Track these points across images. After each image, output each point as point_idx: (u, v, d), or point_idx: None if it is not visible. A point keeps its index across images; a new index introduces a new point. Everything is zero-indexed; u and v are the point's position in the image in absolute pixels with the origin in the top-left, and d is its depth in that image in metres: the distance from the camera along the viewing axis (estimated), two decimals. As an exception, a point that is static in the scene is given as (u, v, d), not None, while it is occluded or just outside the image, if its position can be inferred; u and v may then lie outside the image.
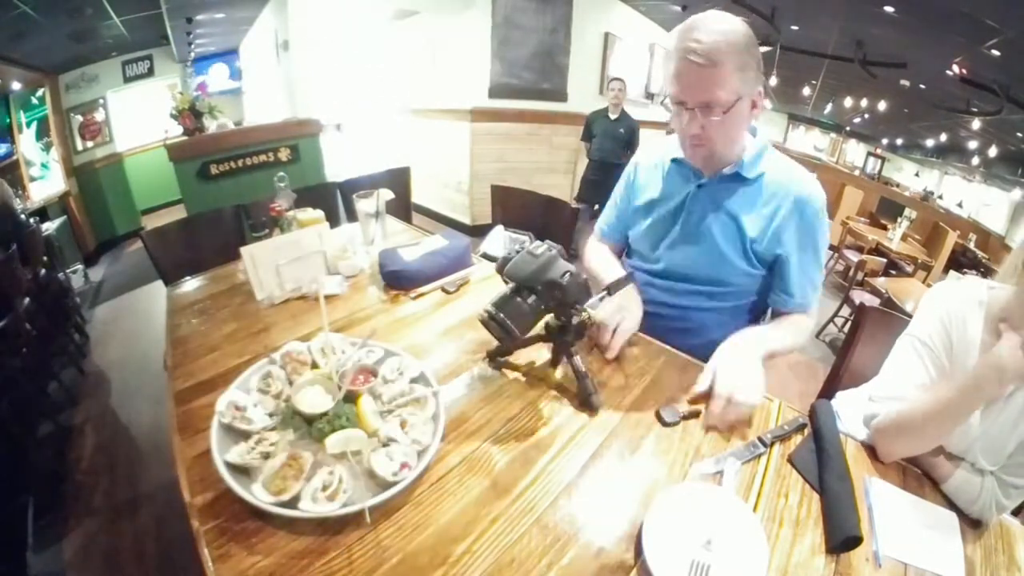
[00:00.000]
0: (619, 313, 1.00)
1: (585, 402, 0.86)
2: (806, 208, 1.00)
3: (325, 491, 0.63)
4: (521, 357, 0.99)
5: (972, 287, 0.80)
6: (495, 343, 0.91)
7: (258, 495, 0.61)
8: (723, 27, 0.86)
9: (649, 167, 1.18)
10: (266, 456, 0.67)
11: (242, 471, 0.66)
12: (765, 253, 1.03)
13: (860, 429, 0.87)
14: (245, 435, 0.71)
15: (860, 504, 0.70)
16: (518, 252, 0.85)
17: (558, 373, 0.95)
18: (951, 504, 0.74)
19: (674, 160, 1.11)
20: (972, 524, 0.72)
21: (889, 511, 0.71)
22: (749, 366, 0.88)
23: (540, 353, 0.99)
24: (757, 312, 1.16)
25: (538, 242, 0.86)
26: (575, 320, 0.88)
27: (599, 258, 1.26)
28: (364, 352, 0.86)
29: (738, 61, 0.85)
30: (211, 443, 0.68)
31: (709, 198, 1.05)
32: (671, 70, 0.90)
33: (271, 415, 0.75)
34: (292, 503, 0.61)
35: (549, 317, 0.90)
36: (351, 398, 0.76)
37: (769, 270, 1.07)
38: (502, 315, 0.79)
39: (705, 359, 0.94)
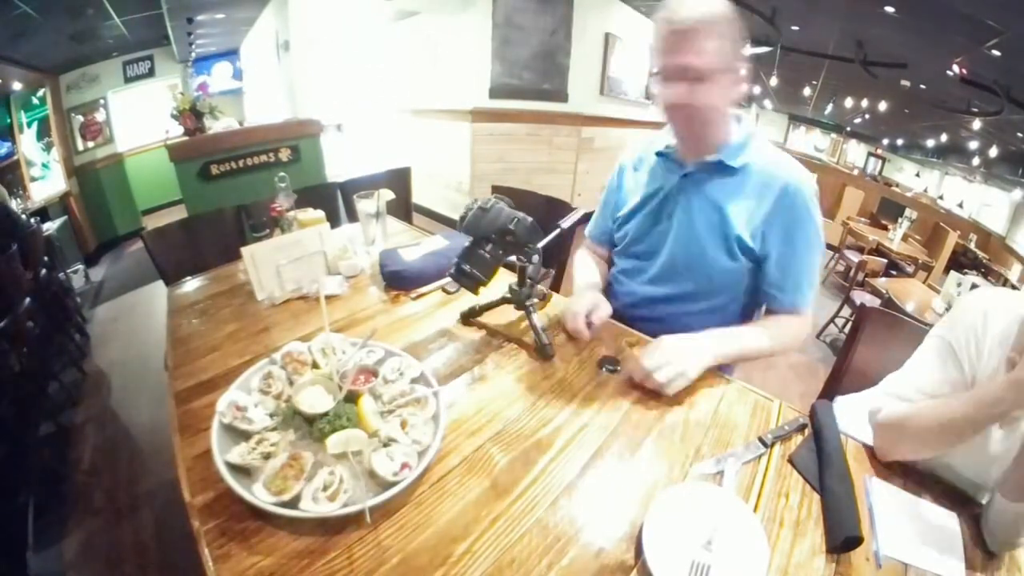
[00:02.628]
0: (592, 303, 1.05)
1: (540, 351, 0.99)
2: (795, 198, 0.96)
3: (326, 491, 0.63)
4: (492, 320, 1.11)
5: (1018, 299, 0.75)
6: (470, 315, 1.10)
7: (259, 495, 0.61)
8: (701, 3, 0.88)
9: (634, 165, 1.18)
10: (267, 457, 0.67)
11: (243, 471, 0.66)
12: (751, 246, 1.00)
13: (860, 432, 0.87)
14: (246, 435, 0.71)
15: (861, 504, 0.70)
16: (471, 210, 0.94)
17: (558, 373, 0.95)
18: (952, 504, 0.74)
19: (658, 153, 1.10)
20: (973, 525, 0.72)
21: (890, 511, 0.71)
22: (687, 354, 0.90)
23: (518, 337, 1.00)
24: (748, 315, 1.13)
25: (487, 197, 0.96)
26: (534, 260, 1.00)
27: (579, 263, 1.28)
28: (365, 352, 0.87)
29: (714, 32, 0.87)
30: (212, 443, 0.68)
31: (693, 188, 1.04)
32: (653, 46, 0.92)
33: (272, 415, 0.75)
34: (293, 503, 0.61)
35: (512, 282, 1.05)
36: (352, 398, 0.76)
37: (758, 266, 1.04)
38: (467, 266, 0.91)
39: None
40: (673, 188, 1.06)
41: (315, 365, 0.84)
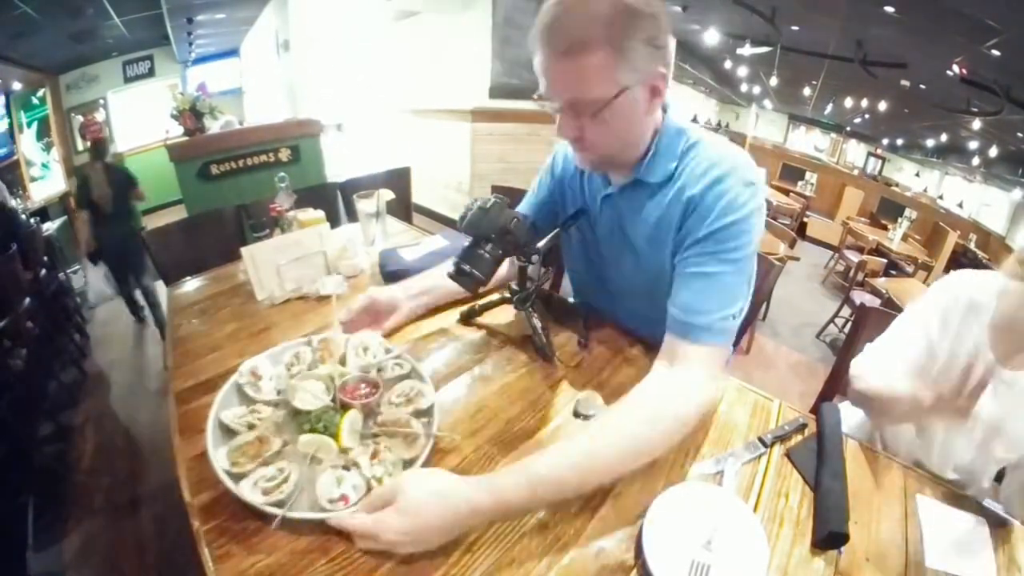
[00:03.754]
0: (388, 300, 1.03)
1: (540, 352, 0.98)
2: (711, 190, 0.76)
3: (269, 482, 0.63)
4: (492, 320, 1.10)
5: (988, 278, 0.81)
6: (470, 315, 1.09)
7: (248, 495, 0.61)
8: (585, 12, 0.67)
9: (562, 169, 1.06)
10: (251, 427, 0.70)
11: (230, 434, 0.70)
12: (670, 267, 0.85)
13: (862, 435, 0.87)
14: (249, 400, 0.75)
15: (910, 521, 0.70)
16: (471, 209, 0.91)
17: (558, 372, 0.95)
18: (980, 510, 0.74)
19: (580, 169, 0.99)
20: (999, 528, 0.72)
21: (936, 526, 0.71)
22: (439, 532, 0.58)
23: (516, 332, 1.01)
24: None
25: (487, 197, 0.94)
26: (534, 260, 0.98)
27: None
28: (392, 362, 0.85)
29: (614, 43, 0.66)
30: (214, 406, 0.72)
31: (614, 211, 0.94)
32: (535, 61, 0.73)
33: (279, 392, 0.77)
34: (237, 478, 0.63)
35: (512, 283, 1.03)
36: (345, 406, 0.74)
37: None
38: (467, 266, 0.89)
39: None
40: (597, 210, 0.97)
41: (343, 360, 0.84)
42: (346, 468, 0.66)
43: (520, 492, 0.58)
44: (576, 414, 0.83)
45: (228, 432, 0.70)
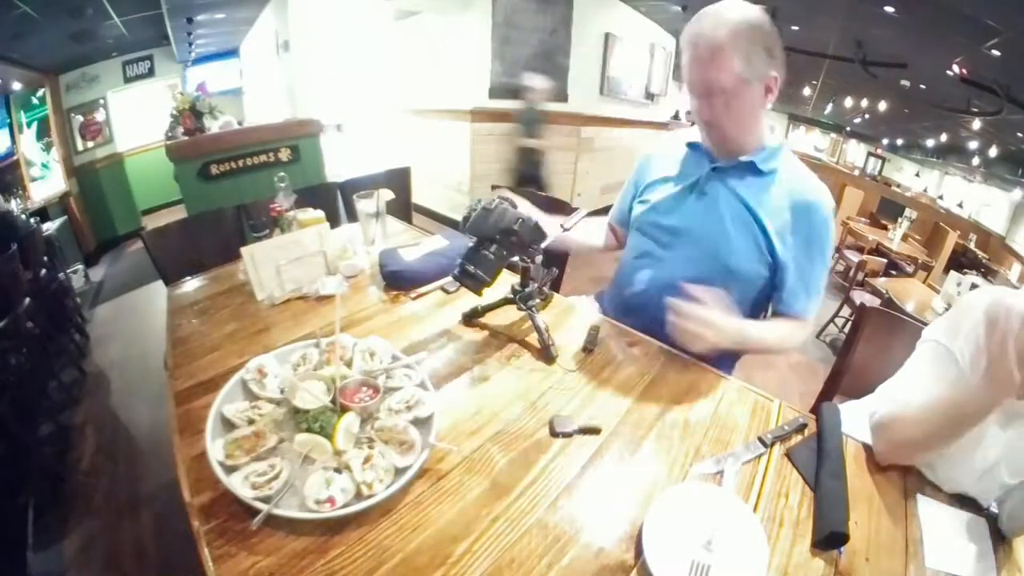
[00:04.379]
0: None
1: (543, 352, 0.98)
2: (816, 214, 1.00)
3: (261, 477, 0.64)
4: (493, 320, 1.10)
5: (1017, 296, 0.73)
6: (472, 316, 1.10)
7: (238, 488, 0.62)
8: (729, 15, 0.89)
9: (662, 155, 1.19)
10: (250, 422, 0.71)
11: (230, 427, 0.72)
12: (775, 245, 1.02)
13: (862, 434, 0.86)
14: (253, 396, 0.77)
15: (910, 521, 0.70)
16: (474, 210, 0.93)
17: (557, 373, 0.95)
18: (980, 511, 0.74)
19: (689, 144, 1.13)
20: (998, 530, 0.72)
21: (936, 527, 0.71)
22: (721, 323, 0.89)
23: (515, 325, 0.99)
24: (753, 318, 1.11)
25: (490, 198, 0.95)
26: (537, 261, 1.00)
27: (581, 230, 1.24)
28: (401, 370, 0.84)
29: (742, 46, 0.87)
30: (218, 398, 0.74)
31: (722, 181, 1.05)
32: (684, 59, 0.94)
33: (282, 390, 0.78)
34: (231, 469, 0.65)
35: (514, 282, 1.05)
36: (344, 408, 0.74)
37: (774, 268, 1.04)
38: (471, 267, 0.90)
39: (701, 357, 0.96)
40: (703, 176, 1.08)
41: (349, 363, 0.84)
42: (337, 470, 0.66)
43: (750, 334, 0.97)
44: (553, 432, 0.80)
45: (228, 425, 0.72)
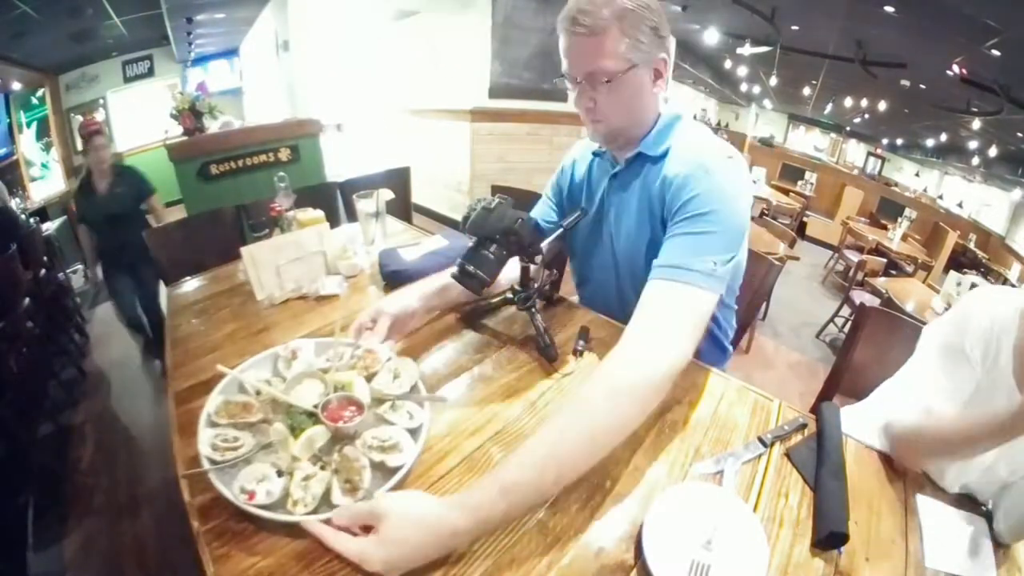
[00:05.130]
0: (401, 309, 0.95)
1: (543, 352, 0.96)
2: (698, 178, 0.83)
3: (224, 442, 0.66)
4: (493, 320, 1.10)
5: (1017, 294, 0.74)
6: (472, 316, 1.09)
7: (201, 443, 0.64)
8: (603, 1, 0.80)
9: (573, 168, 1.14)
10: (257, 393, 0.74)
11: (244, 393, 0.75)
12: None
13: (862, 435, 0.86)
14: (275, 372, 0.82)
15: (909, 520, 0.70)
16: (475, 210, 0.92)
17: (558, 372, 0.95)
18: (980, 511, 0.74)
19: (594, 153, 1.07)
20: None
21: (936, 526, 0.71)
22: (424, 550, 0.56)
23: (516, 328, 1.00)
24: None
25: (490, 197, 0.94)
26: (537, 261, 0.99)
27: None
28: (408, 407, 0.77)
29: (624, 27, 0.80)
30: (245, 363, 0.80)
31: (623, 189, 0.99)
32: (560, 45, 0.86)
33: (269, 381, 0.80)
34: (214, 426, 0.67)
35: (515, 283, 1.04)
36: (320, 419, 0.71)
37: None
38: (471, 267, 0.89)
39: (697, 356, 0.92)
40: (604, 192, 1.03)
41: (372, 376, 0.80)
42: (280, 473, 0.63)
43: (496, 506, 0.56)
44: None
45: (243, 392, 0.76)
